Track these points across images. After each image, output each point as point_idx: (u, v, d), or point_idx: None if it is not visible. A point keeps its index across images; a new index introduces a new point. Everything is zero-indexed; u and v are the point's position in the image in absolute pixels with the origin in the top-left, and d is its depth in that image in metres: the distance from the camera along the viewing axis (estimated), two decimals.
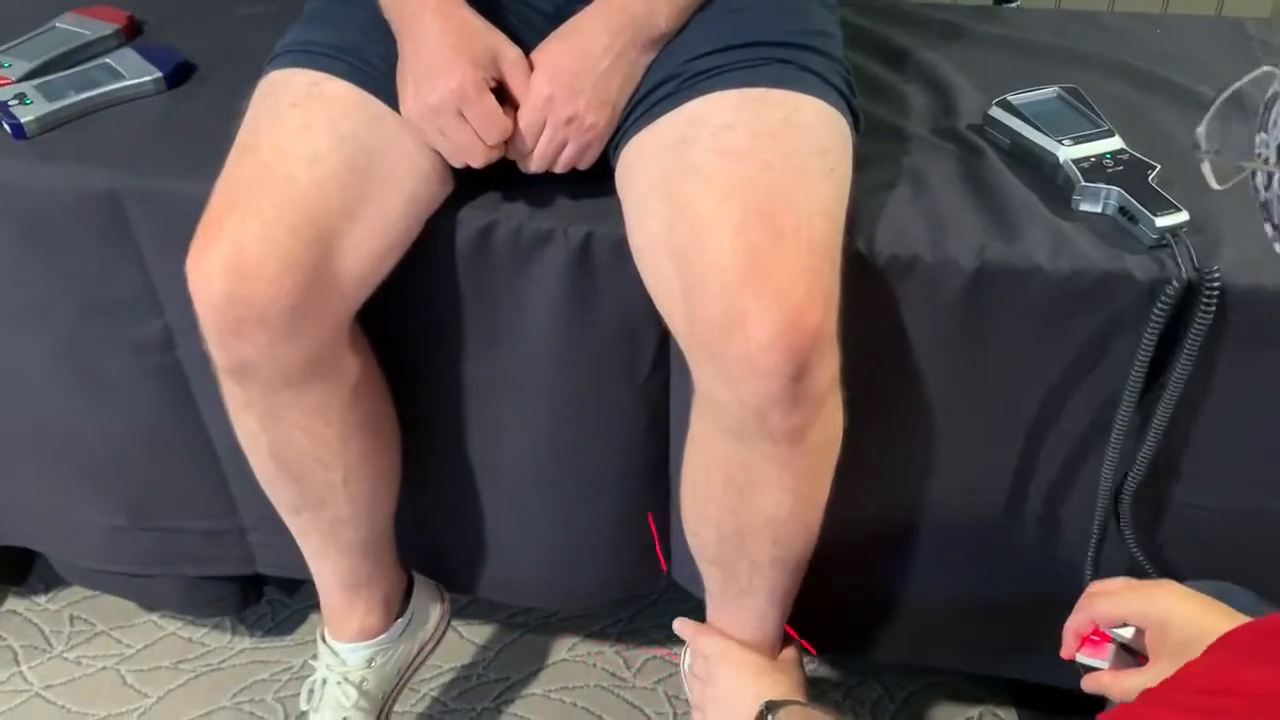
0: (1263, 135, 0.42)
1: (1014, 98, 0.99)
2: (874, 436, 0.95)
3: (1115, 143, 0.94)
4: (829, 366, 0.81)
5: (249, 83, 1.03)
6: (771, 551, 0.92)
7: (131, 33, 1.16)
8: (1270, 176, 0.42)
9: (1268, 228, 0.45)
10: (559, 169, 0.89)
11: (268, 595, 1.48)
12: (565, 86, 0.84)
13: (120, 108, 1.06)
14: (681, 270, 0.81)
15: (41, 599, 1.51)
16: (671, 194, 0.82)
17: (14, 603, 1.50)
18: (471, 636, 1.44)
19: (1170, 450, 0.92)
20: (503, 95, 0.86)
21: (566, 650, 1.44)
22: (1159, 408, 0.87)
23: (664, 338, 0.97)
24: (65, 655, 1.44)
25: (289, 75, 0.88)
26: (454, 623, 1.31)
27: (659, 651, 1.42)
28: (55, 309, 1.07)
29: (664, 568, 1.18)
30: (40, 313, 1.08)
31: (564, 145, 0.86)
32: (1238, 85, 0.44)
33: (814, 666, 1.38)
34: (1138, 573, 1.00)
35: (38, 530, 1.31)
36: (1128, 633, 0.81)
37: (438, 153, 0.88)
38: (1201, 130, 0.45)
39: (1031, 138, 0.96)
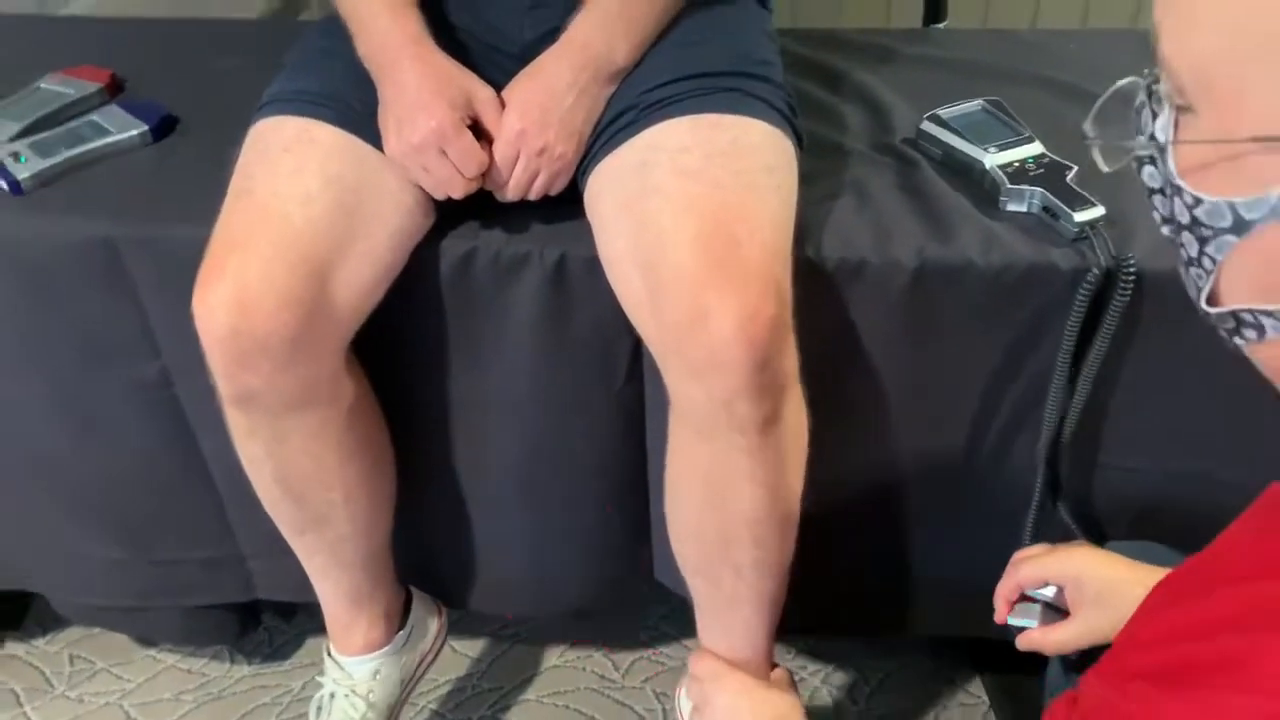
0: (1140, 138, 0.50)
1: (943, 112, 1.09)
2: (832, 429, 1.03)
3: (1036, 148, 1.03)
4: (788, 360, 0.88)
5: (230, 132, 1.10)
6: (753, 553, 0.97)
7: (114, 90, 1.23)
8: (1144, 167, 0.51)
9: (1155, 215, 0.53)
10: (532, 196, 0.96)
11: (264, 623, 1.53)
12: (535, 121, 0.92)
13: (110, 161, 1.12)
14: (648, 279, 0.88)
15: (40, 641, 1.55)
16: (636, 212, 0.90)
17: (12, 647, 1.54)
18: (464, 650, 1.50)
19: (1098, 420, 1.02)
20: (478, 132, 0.93)
21: (556, 657, 1.50)
22: (1082, 382, 0.96)
23: (636, 348, 1.05)
24: (68, 694, 1.48)
25: (279, 122, 0.95)
26: (447, 638, 1.36)
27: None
28: (55, 354, 1.12)
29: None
30: (40, 358, 1.13)
31: (537, 174, 0.94)
32: (1111, 91, 0.52)
33: (791, 656, 1.46)
34: (1071, 536, 1.09)
35: (37, 570, 1.35)
36: (1049, 592, 0.90)
37: (420, 187, 0.95)
38: (1088, 125, 0.53)
39: (960, 148, 1.05)
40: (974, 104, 1.09)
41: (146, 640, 1.51)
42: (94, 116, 1.15)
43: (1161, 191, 0.50)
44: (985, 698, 1.42)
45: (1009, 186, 1.00)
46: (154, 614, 1.38)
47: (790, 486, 0.95)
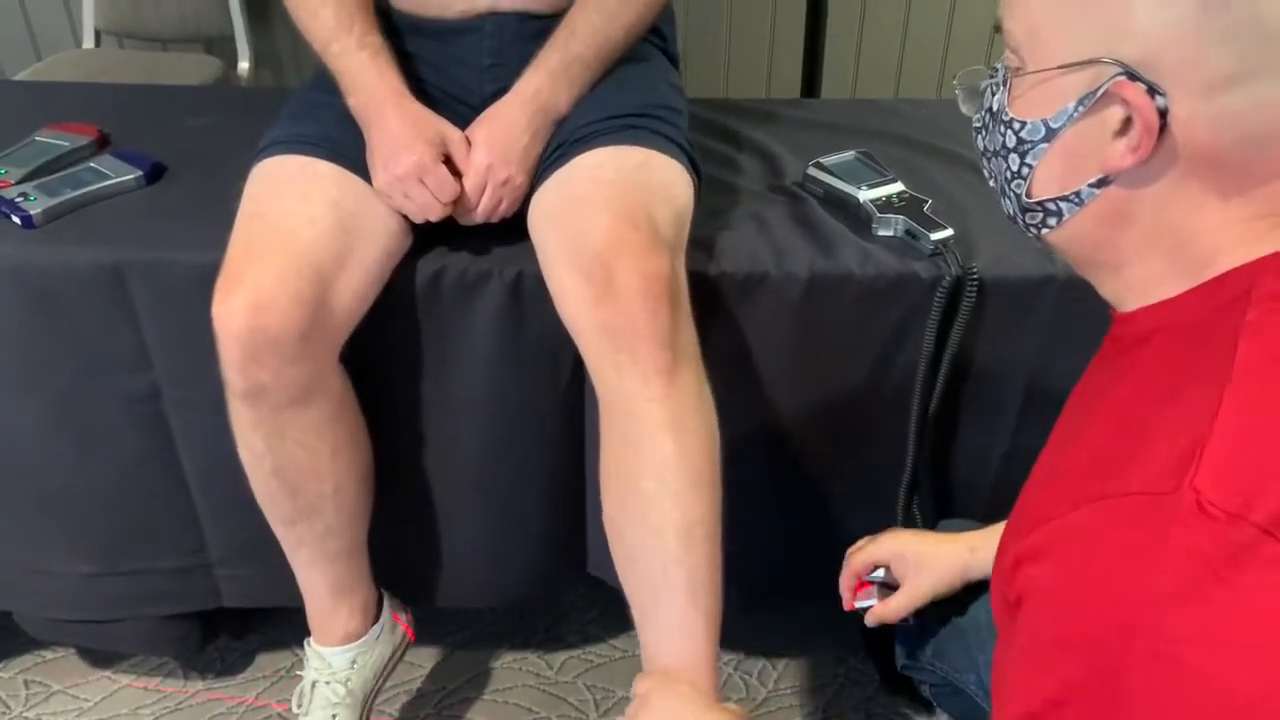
0: (986, 81, 0.72)
1: (824, 160, 1.33)
2: (737, 419, 1.23)
3: (898, 186, 1.28)
4: (684, 333, 1.06)
5: (214, 178, 1.28)
6: (672, 514, 1.04)
7: (102, 144, 1.38)
8: (978, 135, 0.73)
9: (985, 169, 0.74)
10: (494, 219, 1.16)
11: (217, 643, 1.63)
12: (500, 157, 1.12)
13: (110, 201, 1.27)
14: (572, 265, 1.06)
15: None
16: (561, 216, 1.10)
17: None
18: (409, 657, 1.62)
19: (957, 405, 1.25)
20: (449, 167, 1.13)
21: (494, 660, 1.65)
22: (944, 368, 1.20)
23: (579, 354, 1.24)
24: (26, 714, 1.55)
25: (282, 160, 1.13)
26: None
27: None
28: (54, 371, 1.25)
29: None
30: (38, 375, 1.25)
31: (500, 201, 1.14)
32: (961, 83, 0.75)
33: None
34: (945, 509, 1.32)
35: (8, 588, 1.43)
36: (880, 574, 1.11)
37: (401, 214, 1.14)
38: (957, 82, 0.74)
39: (839, 186, 1.29)
40: (849, 154, 1.34)
41: (111, 652, 1.59)
42: (91, 164, 1.30)
43: (989, 149, 0.71)
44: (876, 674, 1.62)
45: (879, 215, 1.24)
46: (119, 626, 1.46)
47: (699, 444, 1.05)
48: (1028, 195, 0.69)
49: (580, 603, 1.72)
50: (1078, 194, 0.66)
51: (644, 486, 1.05)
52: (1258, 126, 0.59)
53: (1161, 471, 0.57)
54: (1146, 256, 0.66)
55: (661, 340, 1.03)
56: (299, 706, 1.30)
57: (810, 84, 1.84)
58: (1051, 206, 0.68)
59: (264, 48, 2.51)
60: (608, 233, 1.05)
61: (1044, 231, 0.70)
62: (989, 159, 0.72)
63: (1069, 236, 0.69)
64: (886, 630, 1.18)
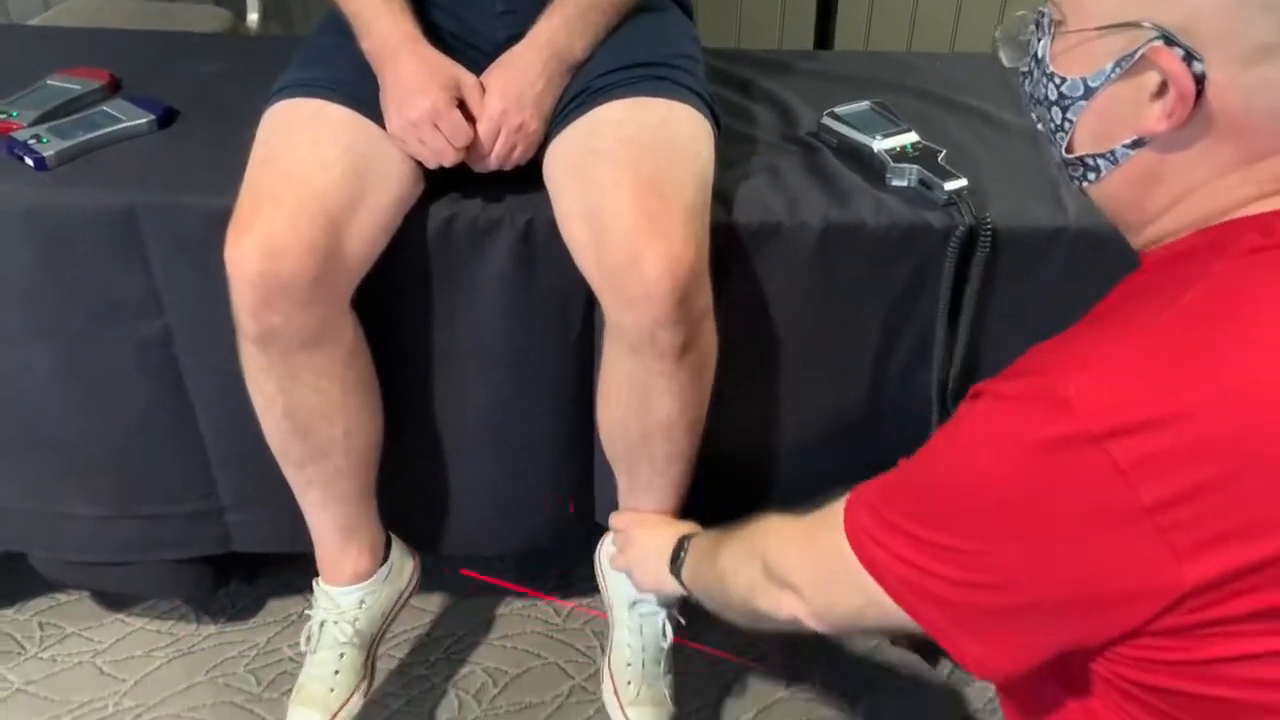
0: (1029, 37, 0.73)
1: (838, 110, 1.32)
2: (748, 369, 1.24)
3: (913, 136, 1.27)
4: (704, 297, 1.08)
5: (225, 123, 1.28)
6: (667, 448, 1.18)
7: (114, 88, 1.37)
8: (1024, 79, 0.74)
9: (1032, 115, 0.75)
10: (508, 166, 1.16)
11: (226, 587, 1.65)
12: (514, 102, 1.12)
13: (122, 144, 1.27)
14: (592, 227, 1.07)
15: (8, 611, 1.63)
16: (582, 173, 1.10)
17: None
18: (419, 604, 1.64)
19: (976, 353, 1.25)
20: (463, 112, 1.12)
21: (502, 607, 1.67)
22: (963, 320, 1.20)
23: (589, 303, 1.24)
24: (40, 655, 1.57)
25: (295, 104, 1.13)
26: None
27: (585, 608, 1.65)
28: (67, 316, 1.25)
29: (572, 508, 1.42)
30: (52, 320, 1.26)
31: (514, 148, 1.14)
32: (1003, 34, 0.75)
33: None
34: None
35: (24, 530, 1.45)
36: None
37: (414, 160, 1.13)
38: (998, 34, 0.76)
39: (853, 137, 1.28)
40: (863, 104, 1.33)
41: (124, 596, 1.62)
42: (103, 108, 1.30)
43: (1035, 97, 0.73)
44: None
45: (893, 165, 1.23)
46: (132, 569, 1.48)
47: (699, 399, 1.16)
48: (1068, 150, 0.71)
49: (585, 555, 1.73)
50: (1113, 153, 0.68)
51: (646, 424, 1.15)
52: None
53: (1051, 364, 0.61)
54: (1173, 215, 0.68)
55: (681, 324, 1.06)
56: (307, 644, 1.31)
57: (823, 36, 1.83)
58: (1090, 162, 0.70)
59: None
60: (631, 208, 1.04)
61: (1084, 185, 0.72)
62: (1035, 106, 0.74)
63: (1105, 193, 0.71)
64: None
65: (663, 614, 1.29)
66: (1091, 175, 0.71)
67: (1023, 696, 0.76)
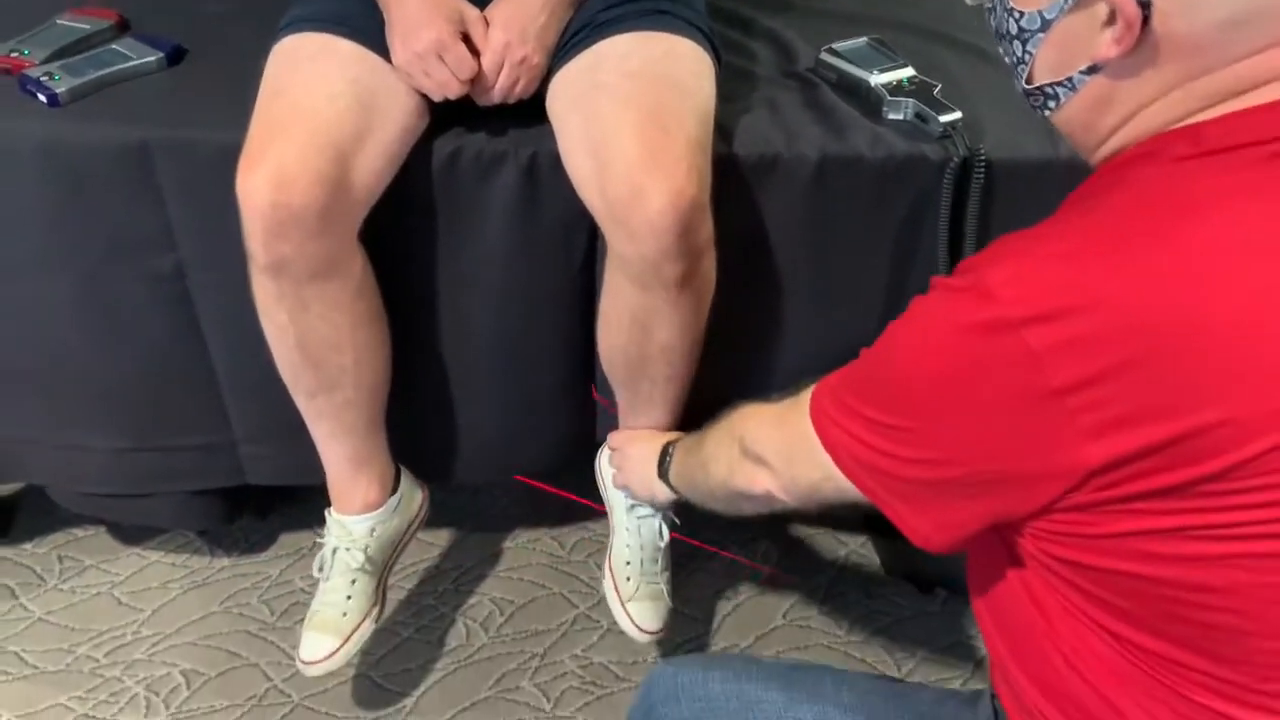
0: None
1: (837, 45, 1.34)
2: (747, 298, 1.27)
3: (909, 71, 1.29)
4: (705, 229, 1.11)
5: (234, 60, 1.30)
6: (665, 371, 1.23)
7: (123, 27, 1.39)
8: (990, 15, 0.77)
9: (1000, 49, 0.78)
10: (511, 99, 1.18)
11: (239, 522, 1.69)
12: (517, 36, 1.14)
13: (133, 82, 1.29)
14: (596, 160, 1.10)
15: (28, 545, 1.68)
16: (586, 106, 1.12)
17: (2, 551, 1.67)
18: (427, 538, 1.69)
19: None
20: (468, 46, 1.14)
21: (508, 541, 1.71)
22: (965, 248, 1.23)
23: (592, 237, 1.27)
24: (60, 587, 1.62)
25: (301, 39, 1.15)
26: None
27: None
28: (82, 251, 1.28)
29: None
30: (68, 256, 1.28)
31: (517, 81, 1.16)
32: None
33: (714, 530, 1.69)
34: None
35: (44, 463, 1.48)
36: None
37: (419, 93, 1.16)
38: None
39: (851, 71, 1.30)
40: (861, 40, 1.35)
41: (140, 530, 1.66)
42: (113, 46, 1.32)
43: (999, 32, 0.76)
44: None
45: (889, 99, 1.26)
46: (149, 501, 1.52)
47: (698, 326, 1.20)
48: (1028, 81, 0.75)
49: (590, 488, 1.77)
50: (1070, 80, 0.72)
51: (646, 350, 1.20)
52: (1233, 12, 0.64)
53: (985, 261, 0.66)
54: (1122, 133, 0.72)
55: (683, 255, 1.09)
56: (320, 572, 1.35)
57: None
58: (1050, 91, 0.74)
59: None
60: (635, 142, 1.07)
61: (1046, 113, 0.76)
62: (1000, 42, 0.77)
63: (1064, 119, 0.75)
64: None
65: (658, 516, 1.36)
66: (1051, 104, 0.75)
67: (978, 573, 0.82)
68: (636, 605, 1.34)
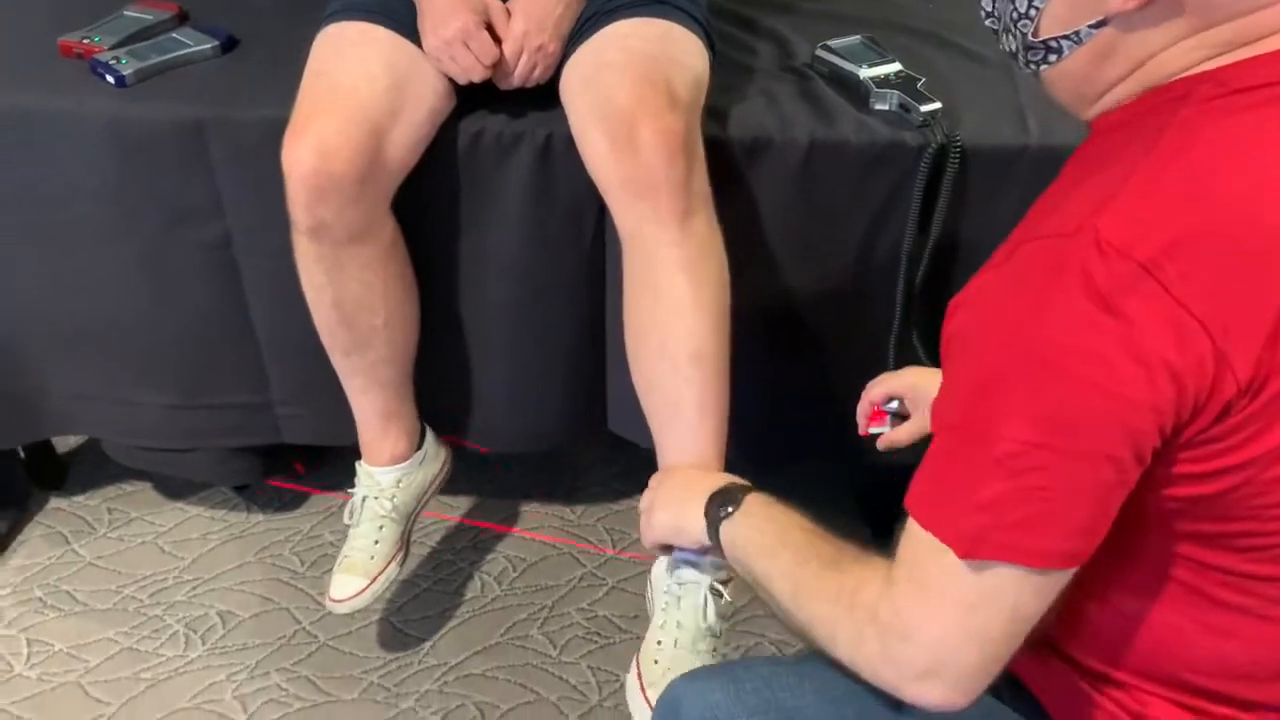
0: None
1: (831, 42, 1.46)
2: (740, 274, 1.37)
3: (896, 66, 1.41)
4: (698, 181, 1.20)
5: (281, 48, 1.44)
6: (685, 342, 1.18)
7: (181, 19, 1.53)
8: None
9: (991, 25, 0.81)
10: (529, 84, 1.30)
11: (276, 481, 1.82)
12: (536, 25, 1.26)
13: (190, 67, 1.43)
14: (601, 125, 1.20)
15: (79, 497, 1.82)
16: (592, 81, 1.25)
17: (56, 502, 1.81)
18: (449, 501, 1.80)
19: (944, 259, 1.39)
20: (490, 34, 1.27)
21: (523, 506, 1.83)
22: (933, 230, 1.34)
23: (600, 215, 1.38)
24: (108, 535, 1.76)
25: (343, 27, 1.28)
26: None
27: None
28: (139, 221, 1.41)
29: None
30: (128, 224, 1.42)
31: (535, 67, 1.29)
32: None
33: None
34: (920, 362, 1.44)
35: (101, 416, 1.61)
36: (895, 405, 1.20)
37: (447, 77, 1.29)
38: None
39: (843, 65, 1.42)
40: (854, 38, 1.47)
41: (182, 485, 1.79)
42: (173, 34, 1.46)
43: None
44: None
45: (876, 90, 1.37)
46: (194, 455, 1.65)
47: (711, 282, 1.20)
48: (1034, 35, 0.76)
49: (600, 462, 1.89)
50: (1077, 33, 0.74)
51: (660, 318, 1.21)
52: None
53: (1069, 218, 0.69)
54: (1128, 82, 0.76)
55: (677, 188, 1.18)
56: (350, 519, 1.48)
57: None
58: (1054, 44, 0.76)
59: None
60: (630, 94, 1.19)
61: (1042, 68, 0.78)
62: (995, 2, 0.80)
63: (1063, 71, 0.77)
64: (880, 482, 1.33)
65: (704, 584, 1.13)
66: (1053, 57, 0.76)
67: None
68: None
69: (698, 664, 1.09)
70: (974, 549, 0.70)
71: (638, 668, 1.13)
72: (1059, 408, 0.68)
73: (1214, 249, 0.67)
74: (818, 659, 0.85)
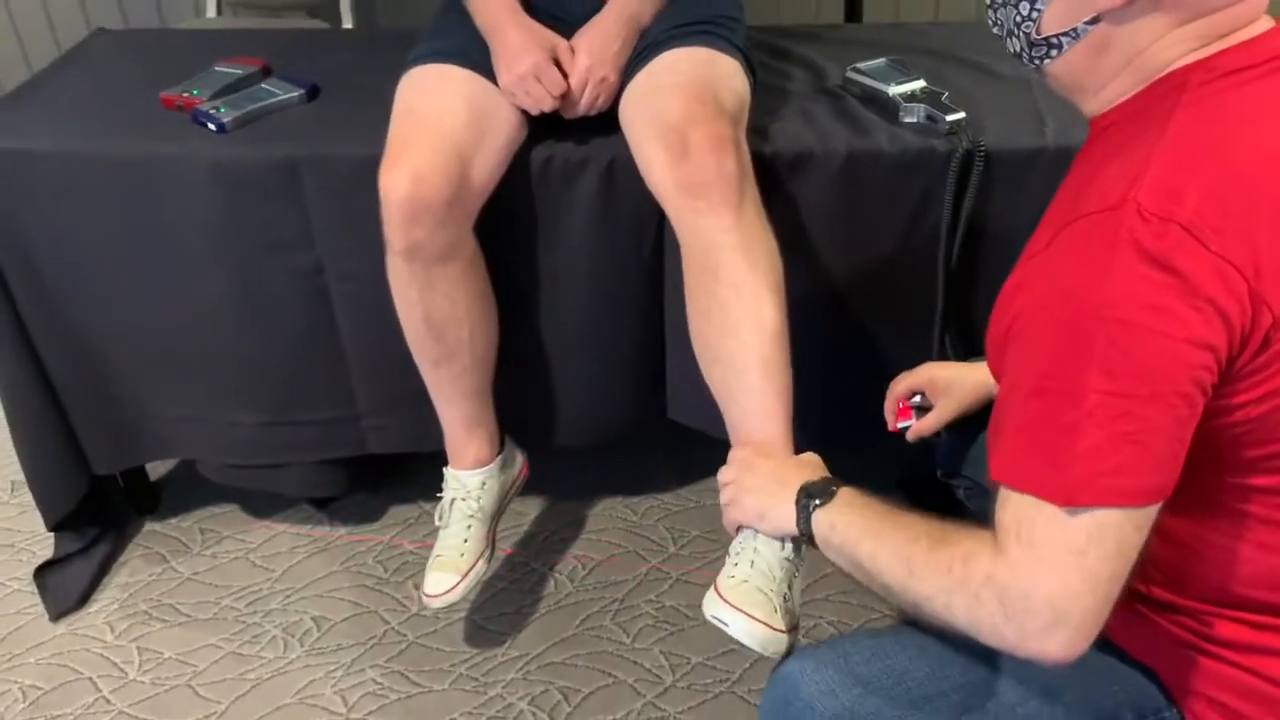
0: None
1: (860, 65, 1.60)
2: (788, 271, 1.49)
3: (921, 83, 1.55)
4: (746, 172, 1.31)
5: (359, 94, 1.58)
6: (747, 312, 1.24)
7: (266, 72, 1.69)
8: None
9: (991, 18, 0.92)
10: (593, 112, 1.45)
11: (354, 496, 1.94)
12: (598, 59, 1.41)
13: (280, 113, 1.58)
14: (657, 140, 1.33)
15: (172, 520, 1.94)
16: (648, 103, 1.39)
17: (151, 525, 1.93)
18: (520, 508, 1.90)
19: (976, 260, 1.52)
20: (557, 69, 1.42)
21: (589, 509, 1.94)
22: (961, 226, 1.47)
23: (659, 227, 1.52)
24: (203, 553, 1.88)
25: (426, 69, 1.44)
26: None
27: None
28: (237, 251, 1.55)
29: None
30: (225, 255, 1.56)
31: (598, 97, 1.43)
32: None
33: None
34: (971, 348, 1.57)
35: (197, 437, 1.75)
36: (918, 399, 1.30)
37: (520, 110, 1.43)
38: None
39: (872, 85, 1.56)
40: (881, 60, 1.62)
41: (268, 504, 1.92)
42: (262, 85, 1.61)
43: (995, 4, 0.90)
44: None
45: (904, 105, 1.51)
46: (283, 470, 1.78)
47: (766, 262, 1.28)
48: (1037, 33, 0.86)
49: (659, 464, 2.01)
50: (1074, 30, 0.84)
51: (722, 295, 1.28)
52: None
53: (1108, 195, 0.78)
54: (1120, 75, 0.85)
55: (728, 182, 1.30)
56: (440, 519, 1.59)
57: (852, 10, 2.09)
58: (1054, 41, 0.85)
59: (364, 12, 2.82)
60: (681, 110, 1.33)
61: (1045, 63, 0.88)
62: (996, 9, 0.91)
63: (1064, 65, 0.87)
64: (919, 466, 1.44)
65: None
66: (1054, 52, 0.86)
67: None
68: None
69: (775, 583, 1.10)
70: (1076, 497, 0.76)
71: (715, 589, 1.12)
72: (1134, 357, 0.75)
73: (1237, 203, 0.78)
74: (911, 628, 0.90)
